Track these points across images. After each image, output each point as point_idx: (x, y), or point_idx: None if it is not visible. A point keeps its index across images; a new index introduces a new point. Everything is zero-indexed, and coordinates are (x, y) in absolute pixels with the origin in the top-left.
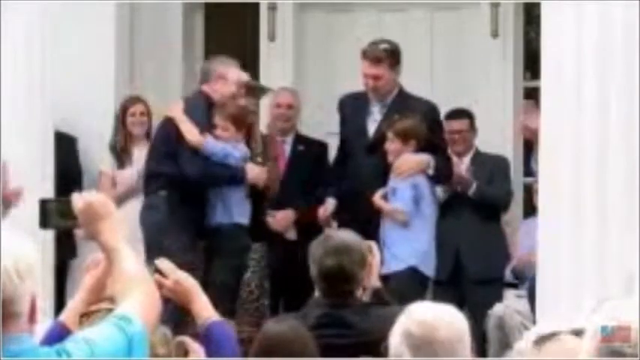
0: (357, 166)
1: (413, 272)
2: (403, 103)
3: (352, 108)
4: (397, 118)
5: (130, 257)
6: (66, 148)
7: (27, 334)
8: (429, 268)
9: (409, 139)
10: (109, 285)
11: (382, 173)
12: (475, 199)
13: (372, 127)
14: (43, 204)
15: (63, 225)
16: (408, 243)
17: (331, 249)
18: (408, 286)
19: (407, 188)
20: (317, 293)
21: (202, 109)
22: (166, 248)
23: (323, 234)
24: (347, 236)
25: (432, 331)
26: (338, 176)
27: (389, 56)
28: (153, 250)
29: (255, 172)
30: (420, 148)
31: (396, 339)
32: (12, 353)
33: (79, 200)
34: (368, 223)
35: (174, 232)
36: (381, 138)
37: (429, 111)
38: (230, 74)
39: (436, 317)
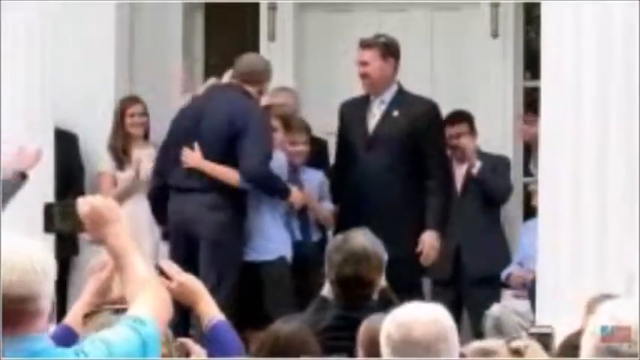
0: (359, 162)
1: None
2: (403, 100)
3: (353, 110)
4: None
5: (140, 260)
6: (67, 145)
7: (46, 333)
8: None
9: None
10: (121, 288)
11: (383, 169)
12: (477, 179)
13: (371, 124)
14: (48, 208)
15: (67, 229)
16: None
17: (350, 256)
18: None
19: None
20: (330, 295)
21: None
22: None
23: (341, 236)
24: (365, 241)
25: (408, 332)
26: (340, 177)
27: (381, 46)
28: None
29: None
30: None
31: (381, 341)
32: (31, 352)
33: (84, 205)
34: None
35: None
36: (379, 135)
37: (429, 109)
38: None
39: (413, 318)
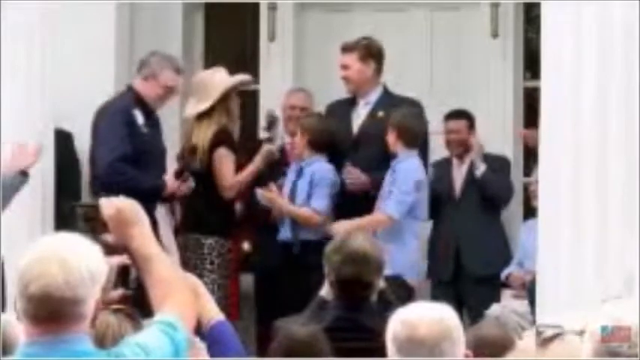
0: (346, 163)
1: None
2: (388, 101)
3: (338, 111)
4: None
5: (165, 262)
6: (62, 144)
7: (87, 336)
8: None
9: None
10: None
11: (369, 169)
12: (480, 182)
13: (356, 124)
14: (71, 208)
15: (90, 229)
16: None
17: (349, 258)
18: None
19: None
20: (328, 296)
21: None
22: None
23: (340, 237)
24: (365, 242)
25: (413, 331)
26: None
27: (361, 48)
28: None
29: None
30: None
31: (387, 341)
32: (72, 353)
33: (108, 206)
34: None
35: None
36: (364, 135)
37: (415, 110)
38: (162, 77)
39: (418, 316)
